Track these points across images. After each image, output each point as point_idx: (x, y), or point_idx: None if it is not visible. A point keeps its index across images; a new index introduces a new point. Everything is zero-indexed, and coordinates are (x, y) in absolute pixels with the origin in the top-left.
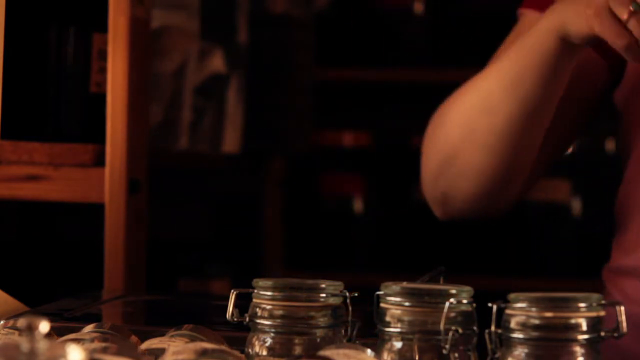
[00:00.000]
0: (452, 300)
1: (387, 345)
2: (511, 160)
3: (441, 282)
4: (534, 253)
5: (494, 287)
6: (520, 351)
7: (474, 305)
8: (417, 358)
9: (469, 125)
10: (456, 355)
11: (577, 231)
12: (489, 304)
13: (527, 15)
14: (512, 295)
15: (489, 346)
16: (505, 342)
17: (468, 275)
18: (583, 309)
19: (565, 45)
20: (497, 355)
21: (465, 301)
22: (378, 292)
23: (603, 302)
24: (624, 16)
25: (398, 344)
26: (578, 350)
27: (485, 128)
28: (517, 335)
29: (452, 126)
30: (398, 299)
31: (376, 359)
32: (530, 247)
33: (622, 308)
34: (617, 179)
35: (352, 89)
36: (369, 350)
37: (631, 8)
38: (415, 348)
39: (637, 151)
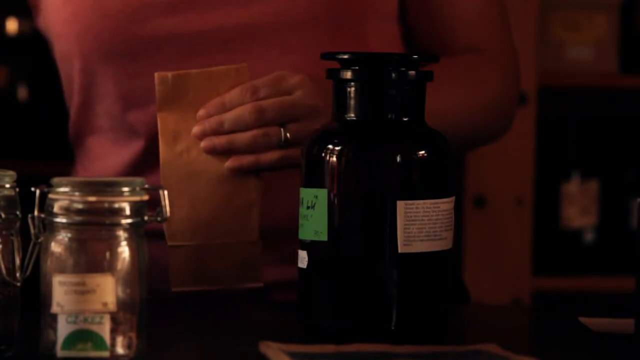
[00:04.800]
0: None
1: None
2: None
3: None
4: None
5: None
6: (63, 235)
7: (17, 189)
8: None
9: None
10: None
11: (22, 116)
12: (32, 189)
13: None
14: (55, 180)
15: (32, 231)
16: (49, 227)
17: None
18: (126, 194)
19: None
20: (40, 240)
21: (8, 185)
22: None
23: (147, 186)
24: None
25: None
26: (122, 234)
27: None
28: (61, 219)
29: None
30: None
31: None
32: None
33: (166, 192)
34: None
35: None
36: None
37: None
38: None
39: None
